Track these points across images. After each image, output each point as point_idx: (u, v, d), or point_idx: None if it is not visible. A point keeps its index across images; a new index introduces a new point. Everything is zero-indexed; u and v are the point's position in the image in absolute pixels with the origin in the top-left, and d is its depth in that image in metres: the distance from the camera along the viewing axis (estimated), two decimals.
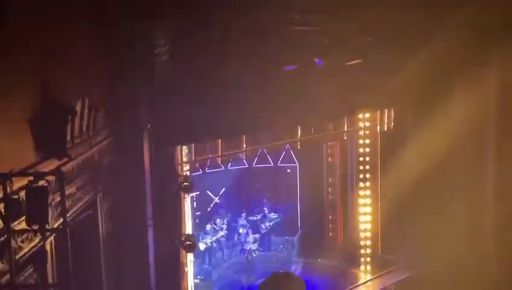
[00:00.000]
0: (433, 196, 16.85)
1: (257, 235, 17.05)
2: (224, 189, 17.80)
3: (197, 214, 16.71)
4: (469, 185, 17.27)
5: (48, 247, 8.49)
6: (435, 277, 15.80)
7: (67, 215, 8.79)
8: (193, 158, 14.06)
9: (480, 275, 15.17)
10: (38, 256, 8.26)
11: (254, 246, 16.83)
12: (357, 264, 17.70)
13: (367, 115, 17.19)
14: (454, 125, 16.46)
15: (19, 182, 7.51)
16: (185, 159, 13.78)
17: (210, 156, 14.68)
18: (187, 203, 13.90)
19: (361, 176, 17.64)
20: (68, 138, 9.01)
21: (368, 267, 17.56)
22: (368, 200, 17.66)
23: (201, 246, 15.98)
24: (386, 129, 17.25)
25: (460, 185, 17.31)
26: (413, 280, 16.46)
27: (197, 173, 15.65)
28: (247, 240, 16.81)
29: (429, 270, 16.35)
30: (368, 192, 17.65)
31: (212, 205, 17.67)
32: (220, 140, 14.47)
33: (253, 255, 16.74)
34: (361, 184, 17.68)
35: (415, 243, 17.00)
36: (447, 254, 15.84)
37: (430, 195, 16.81)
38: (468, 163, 17.35)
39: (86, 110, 9.75)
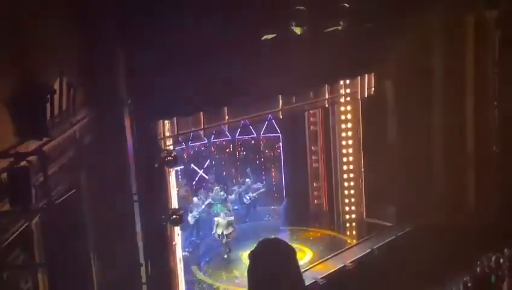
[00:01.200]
0: (415, 160, 17.05)
1: (231, 219, 16.31)
2: (208, 161, 17.81)
3: (183, 187, 16.73)
4: (446, 145, 17.60)
5: (33, 227, 8.46)
6: (418, 237, 16.08)
7: (51, 195, 8.76)
8: (176, 132, 13.96)
9: (460, 232, 15.45)
10: (24, 237, 8.22)
11: (228, 231, 16.07)
12: (343, 229, 17.87)
13: (348, 82, 17.17)
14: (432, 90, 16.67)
15: (0, 164, 7.43)
16: (167, 133, 13.68)
17: (192, 129, 14.61)
18: (172, 178, 13.85)
19: (343, 143, 17.70)
20: (48, 117, 8.87)
21: (353, 232, 17.74)
22: (351, 167, 17.75)
23: (191, 220, 16.00)
24: (366, 95, 17.25)
25: (439, 149, 17.60)
26: (397, 242, 16.70)
27: (180, 146, 15.63)
28: (217, 223, 16.24)
29: (412, 231, 16.64)
30: (351, 158, 17.73)
31: (197, 178, 17.70)
32: (201, 113, 14.37)
33: (228, 239, 16.14)
34: (344, 151, 17.75)
35: (396, 206, 17.27)
36: (429, 215, 16.12)
37: (412, 159, 17.01)
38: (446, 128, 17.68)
39: (65, 87, 9.60)
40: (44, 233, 8.59)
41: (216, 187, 16.85)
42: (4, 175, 7.33)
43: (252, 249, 3.08)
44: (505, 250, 14.77)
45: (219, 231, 16.06)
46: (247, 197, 17.70)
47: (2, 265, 7.55)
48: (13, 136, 8.21)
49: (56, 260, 8.23)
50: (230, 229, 16.09)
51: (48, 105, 8.87)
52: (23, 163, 7.51)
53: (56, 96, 9.18)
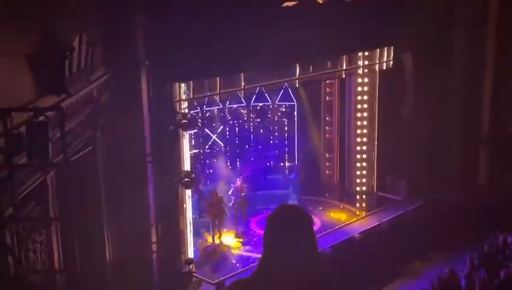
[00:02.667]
0: (430, 135, 17.02)
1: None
2: (222, 127, 17.89)
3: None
4: (461, 123, 17.56)
5: (49, 182, 8.61)
6: (428, 213, 16.15)
7: (67, 150, 8.90)
8: (191, 96, 14.02)
9: (470, 209, 15.52)
10: (39, 190, 8.38)
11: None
12: (353, 201, 17.97)
13: (366, 54, 17.05)
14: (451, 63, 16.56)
15: (19, 118, 7.54)
16: (183, 96, 13.74)
17: (208, 93, 14.65)
18: (185, 141, 13.95)
19: (358, 115, 17.69)
20: (66, 74, 8.95)
21: (363, 204, 17.84)
22: (365, 139, 17.76)
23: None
24: (384, 68, 17.14)
25: (455, 125, 17.56)
26: (406, 216, 16.81)
27: (195, 110, 15.71)
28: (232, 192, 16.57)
29: (422, 206, 16.71)
30: (365, 131, 17.72)
31: (210, 142, 17.81)
32: (218, 77, 14.38)
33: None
34: (358, 123, 17.74)
35: (407, 181, 17.31)
36: (440, 191, 16.17)
37: (427, 134, 16.98)
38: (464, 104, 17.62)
39: (84, 46, 9.65)
40: (59, 188, 8.75)
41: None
42: (23, 129, 7.45)
43: (271, 212, 3.12)
44: None
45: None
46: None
47: (18, 217, 7.71)
48: (32, 91, 8.32)
49: (69, 215, 8.41)
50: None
51: (67, 62, 8.96)
52: (41, 118, 7.61)
53: (75, 54, 9.26)
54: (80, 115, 9.82)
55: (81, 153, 9.87)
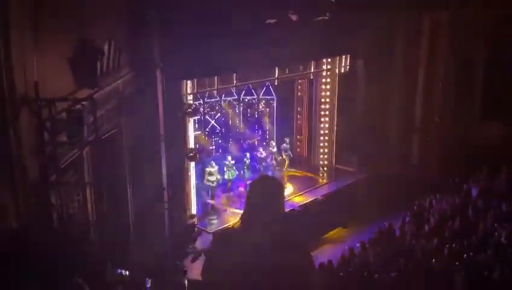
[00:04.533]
0: (376, 122, 17.05)
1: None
2: (218, 114, 17.76)
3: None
4: (400, 113, 17.62)
5: (84, 155, 8.51)
6: (373, 182, 16.24)
7: (100, 131, 8.79)
8: (195, 90, 13.88)
9: (405, 179, 15.60)
10: (77, 162, 8.29)
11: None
12: (317, 172, 18.00)
13: (329, 60, 16.97)
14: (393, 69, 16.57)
15: (61, 106, 7.43)
16: (189, 90, 13.60)
17: (208, 89, 14.51)
18: (191, 125, 13.83)
19: (322, 106, 17.61)
20: (98, 72, 8.81)
21: (325, 174, 17.86)
22: (327, 125, 17.72)
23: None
24: (343, 71, 17.09)
25: (394, 115, 17.63)
26: (356, 184, 16.88)
27: (198, 102, 15.54)
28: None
29: (368, 177, 16.79)
30: (327, 119, 17.67)
31: (209, 126, 17.68)
32: (216, 77, 14.26)
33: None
34: (322, 113, 17.68)
35: (359, 157, 17.36)
36: (383, 164, 16.24)
37: (373, 122, 17.00)
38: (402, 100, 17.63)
39: (112, 50, 9.49)
40: (92, 160, 8.65)
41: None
42: (63, 114, 7.34)
43: (253, 180, 3.14)
44: (437, 195, 15.00)
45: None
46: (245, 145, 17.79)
47: (60, 182, 7.63)
48: (71, 86, 8.19)
49: (100, 181, 8.33)
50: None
51: (99, 63, 8.81)
52: (78, 106, 7.50)
53: (105, 57, 9.10)
54: (108, 104, 9.68)
55: (109, 134, 9.77)
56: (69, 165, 8.02)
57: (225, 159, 16.50)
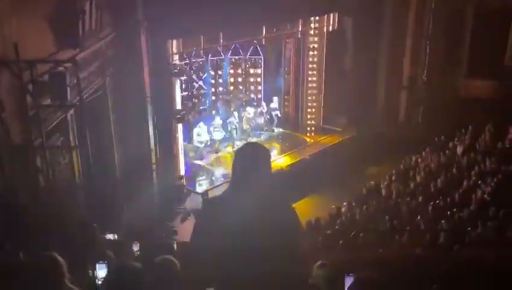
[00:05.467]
0: (364, 83, 16.99)
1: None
2: (205, 74, 17.52)
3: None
4: (388, 73, 17.54)
5: (69, 118, 8.38)
6: (360, 141, 16.32)
7: (84, 93, 8.63)
8: (181, 50, 13.60)
9: (392, 138, 15.67)
10: (62, 125, 8.17)
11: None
12: (304, 131, 18.02)
13: (317, 18, 16.67)
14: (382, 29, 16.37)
15: (43, 68, 7.25)
16: (175, 50, 13.32)
17: (194, 48, 14.23)
18: (177, 85, 13.64)
19: (310, 66, 17.45)
20: (80, 32, 8.55)
21: (312, 134, 17.90)
22: (315, 84, 17.62)
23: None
24: (331, 30, 16.82)
25: (382, 75, 17.54)
26: (344, 143, 16.96)
27: (184, 61, 15.26)
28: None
29: (356, 136, 16.87)
30: (315, 78, 17.55)
31: (197, 86, 17.47)
32: (202, 36, 13.96)
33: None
34: (310, 72, 17.54)
35: (346, 117, 17.37)
36: (370, 123, 16.28)
37: (361, 82, 16.93)
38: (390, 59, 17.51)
39: (94, 9, 9.19)
40: (77, 123, 8.53)
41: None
42: (46, 77, 7.18)
43: (239, 147, 3.13)
44: (423, 153, 15.17)
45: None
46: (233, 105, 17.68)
47: (45, 145, 7.53)
48: (53, 46, 7.96)
49: (86, 143, 8.24)
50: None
51: (80, 23, 8.54)
52: (60, 68, 7.32)
53: (87, 16, 8.82)
54: (92, 66, 9.46)
55: (94, 96, 9.60)
56: (54, 129, 7.90)
57: (213, 119, 16.41)
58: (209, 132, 15.99)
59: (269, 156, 3.13)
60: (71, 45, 8.23)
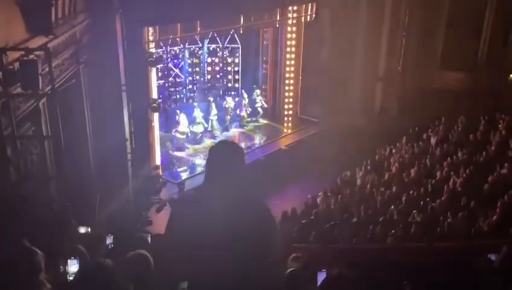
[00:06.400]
0: (340, 73, 17.03)
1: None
2: (182, 63, 17.30)
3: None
4: (364, 64, 17.65)
5: (41, 107, 8.16)
6: (336, 131, 16.39)
7: (57, 81, 8.41)
8: (157, 38, 13.36)
9: (367, 130, 15.79)
10: (34, 114, 7.95)
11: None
12: (281, 122, 18.04)
13: (295, 8, 16.61)
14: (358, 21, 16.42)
15: (13, 56, 7.02)
16: (151, 38, 13.08)
17: (171, 36, 14.00)
18: (153, 74, 13.42)
19: (287, 56, 17.41)
20: (53, 19, 8.30)
21: (289, 124, 17.93)
22: (292, 75, 17.61)
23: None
24: (308, 20, 16.78)
25: (359, 66, 17.63)
26: (320, 133, 17.04)
27: (161, 50, 15.04)
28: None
29: (332, 128, 16.94)
30: (292, 68, 17.54)
31: (173, 74, 17.26)
32: (179, 23, 13.73)
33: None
34: (287, 62, 17.51)
35: (322, 107, 17.42)
36: (346, 114, 16.37)
37: (338, 73, 16.96)
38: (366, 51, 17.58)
39: None
40: (50, 113, 8.30)
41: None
42: (16, 65, 6.95)
43: (212, 146, 3.09)
44: (397, 143, 15.35)
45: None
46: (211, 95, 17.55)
47: (16, 135, 7.33)
48: (24, 34, 7.70)
49: (59, 133, 8.04)
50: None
51: (53, 9, 8.29)
52: (31, 56, 7.09)
53: (59, 2, 8.56)
54: (65, 53, 9.21)
55: (67, 84, 9.37)
56: (25, 118, 7.68)
57: (191, 109, 16.23)
58: (190, 123, 15.78)
59: (243, 154, 3.10)
60: (43, 31, 7.97)
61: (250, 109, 17.52)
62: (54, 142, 8.27)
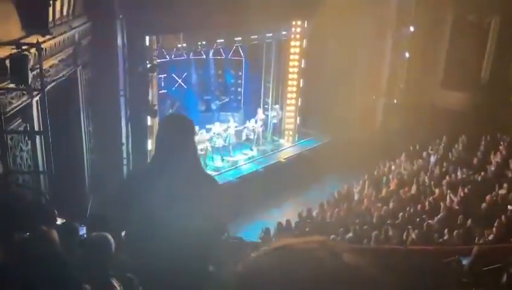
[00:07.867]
0: (341, 88, 16.92)
1: None
2: (186, 73, 17.33)
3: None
4: (366, 80, 17.58)
5: (34, 103, 8.15)
6: (335, 145, 16.26)
7: (51, 80, 8.44)
8: (160, 47, 13.41)
9: (368, 143, 15.64)
10: (25, 110, 7.94)
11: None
12: (281, 135, 17.93)
13: (298, 23, 16.65)
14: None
15: (7, 52, 7.03)
16: (152, 46, 13.10)
17: (177, 45, 14.02)
18: (154, 81, 13.39)
19: (290, 69, 17.39)
20: (50, 18, 8.34)
21: (290, 137, 17.81)
22: (294, 89, 17.57)
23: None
24: (311, 35, 16.78)
25: (360, 82, 17.58)
26: (320, 147, 16.90)
27: (164, 59, 15.08)
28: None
29: (331, 141, 16.82)
30: (295, 83, 17.50)
31: (176, 84, 17.28)
32: (181, 34, 13.78)
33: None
34: (290, 76, 17.48)
35: (324, 121, 17.28)
36: (346, 129, 16.23)
37: (338, 87, 16.84)
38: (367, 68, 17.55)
39: None
40: (42, 109, 8.28)
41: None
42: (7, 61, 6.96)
43: (162, 120, 3.02)
44: (397, 160, 15.17)
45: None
46: (214, 106, 17.53)
47: (6, 130, 7.32)
48: (20, 32, 7.74)
49: (51, 130, 8.00)
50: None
51: (51, 9, 8.34)
52: (24, 53, 7.11)
53: (58, 3, 8.62)
54: (62, 54, 9.24)
55: (64, 85, 9.38)
56: (16, 113, 7.67)
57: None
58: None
59: (193, 129, 3.02)
60: (39, 30, 8.00)
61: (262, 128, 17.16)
62: (45, 138, 8.23)
